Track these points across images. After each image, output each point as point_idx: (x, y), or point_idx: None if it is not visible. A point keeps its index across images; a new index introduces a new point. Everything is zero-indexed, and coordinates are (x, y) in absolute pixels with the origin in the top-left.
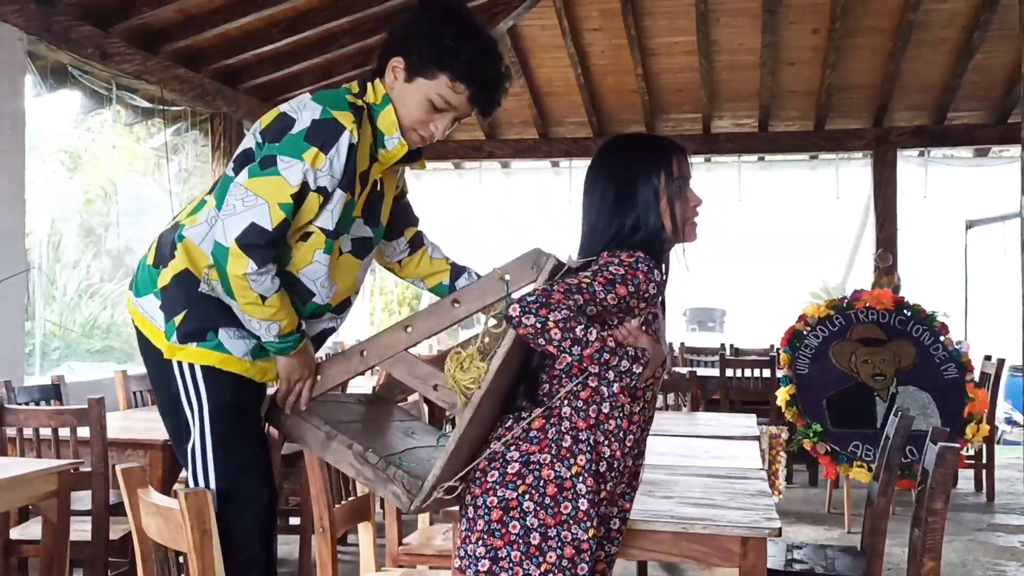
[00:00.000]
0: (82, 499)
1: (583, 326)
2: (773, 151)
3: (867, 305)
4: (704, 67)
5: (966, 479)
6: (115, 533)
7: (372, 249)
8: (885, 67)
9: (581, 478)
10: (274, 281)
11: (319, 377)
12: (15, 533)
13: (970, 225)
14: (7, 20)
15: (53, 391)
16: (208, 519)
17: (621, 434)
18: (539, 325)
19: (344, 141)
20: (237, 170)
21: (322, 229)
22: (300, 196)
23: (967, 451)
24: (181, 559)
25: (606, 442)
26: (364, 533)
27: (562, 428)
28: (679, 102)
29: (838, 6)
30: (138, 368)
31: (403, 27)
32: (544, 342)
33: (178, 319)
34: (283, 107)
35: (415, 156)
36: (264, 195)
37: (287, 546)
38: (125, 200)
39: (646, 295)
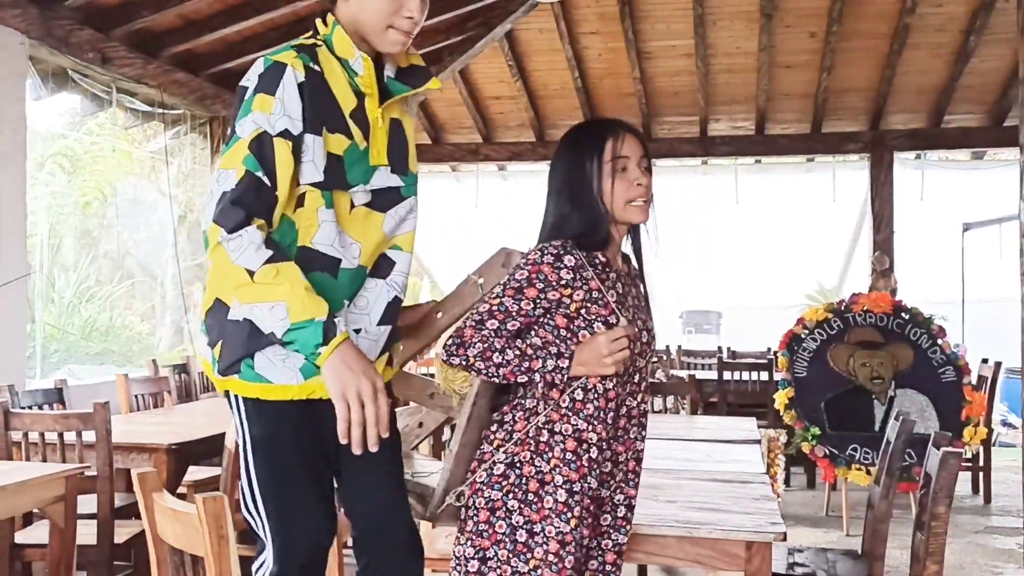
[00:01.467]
0: (85, 502)
1: (499, 351)
2: (770, 154)
3: (865, 308)
4: (701, 70)
5: (963, 482)
6: (119, 536)
7: (403, 200)
8: (881, 70)
9: (557, 469)
10: (259, 251)
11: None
12: (20, 537)
13: (967, 228)
14: (8, 24)
15: (56, 395)
16: (225, 524)
17: (602, 415)
18: (463, 364)
19: (288, 76)
20: None
21: (312, 184)
22: (260, 146)
23: (965, 453)
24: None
25: (589, 427)
26: None
27: (539, 423)
28: (676, 105)
29: (835, 10)
30: (139, 371)
31: None
32: (476, 373)
33: (216, 351)
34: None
35: (421, 78)
36: (230, 164)
37: None
38: (123, 203)
39: (562, 282)
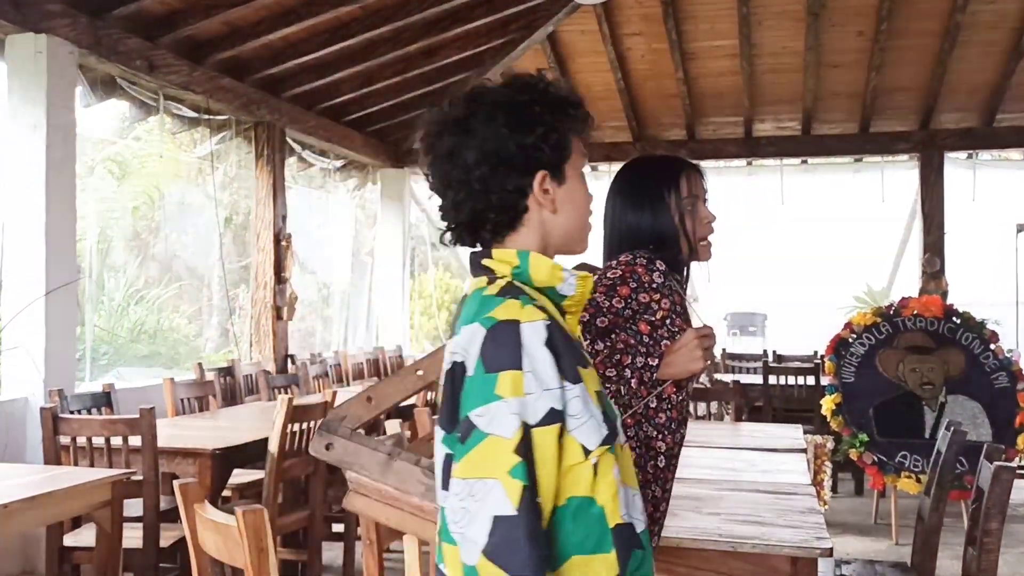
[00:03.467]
0: (131, 506)
1: (590, 341)
2: (817, 154)
3: (915, 312)
4: (746, 71)
5: (1018, 489)
6: (165, 540)
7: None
8: (932, 69)
9: None
10: None
11: (370, 400)
12: (68, 540)
13: (1021, 228)
14: (59, 34)
15: (104, 399)
16: (265, 537)
17: (672, 426)
18: None
19: (530, 334)
20: (445, 481)
21: (602, 443)
22: (527, 446)
23: (1019, 461)
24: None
25: (659, 436)
26: (409, 544)
27: None
28: (720, 106)
29: (883, 8)
30: (186, 374)
31: (516, 150)
32: None
33: None
34: (455, 355)
35: None
36: (488, 473)
37: (330, 552)
38: (170, 207)
39: (654, 285)
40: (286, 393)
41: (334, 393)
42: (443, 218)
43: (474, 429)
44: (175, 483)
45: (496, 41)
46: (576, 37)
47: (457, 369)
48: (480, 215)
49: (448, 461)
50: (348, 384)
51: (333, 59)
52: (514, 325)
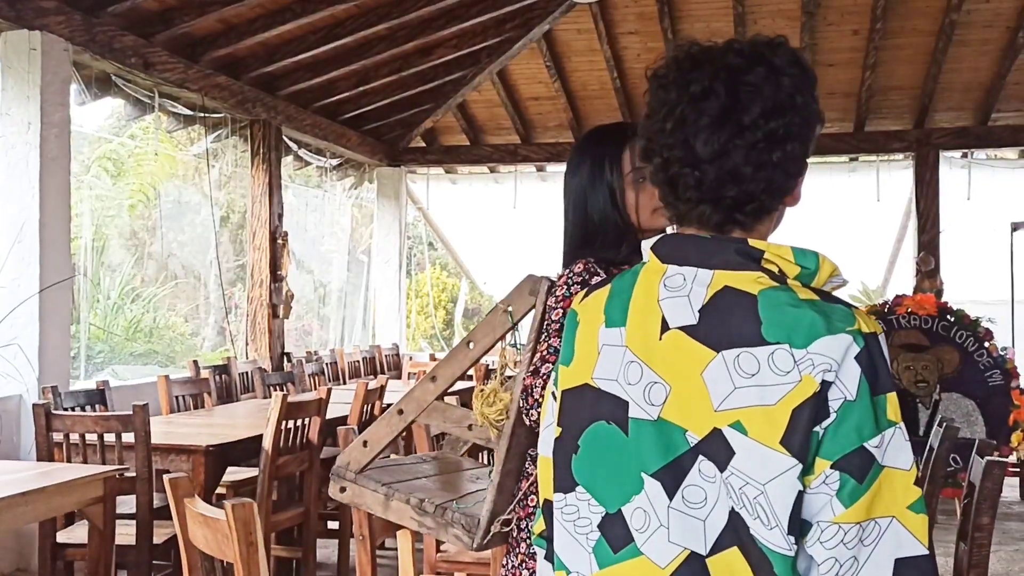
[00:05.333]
0: (125, 503)
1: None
2: (811, 153)
3: (909, 310)
4: None
5: (1011, 487)
6: (158, 537)
7: None
8: (927, 68)
9: None
10: None
11: (366, 444)
12: (61, 536)
13: (1016, 227)
14: (53, 30)
15: (98, 396)
16: (255, 530)
17: None
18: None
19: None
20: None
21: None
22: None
23: (1012, 459)
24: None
25: None
26: (403, 540)
27: None
28: None
29: (878, 7)
30: (182, 372)
31: (813, 132)
32: None
33: None
34: (816, 374)
35: None
36: (879, 510)
37: (325, 550)
38: (166, 205)
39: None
40: (282, 391)
41: (328, 390)
42: (698, 185)
43: (873, 462)
44: (165, 477)
45: (492, 40)
46: (572, 36)
47: (824, 391)
48: (755, 194)
49: (799, 499)
50: (344, 382)
51: (329, 57)
52: (878, 338)
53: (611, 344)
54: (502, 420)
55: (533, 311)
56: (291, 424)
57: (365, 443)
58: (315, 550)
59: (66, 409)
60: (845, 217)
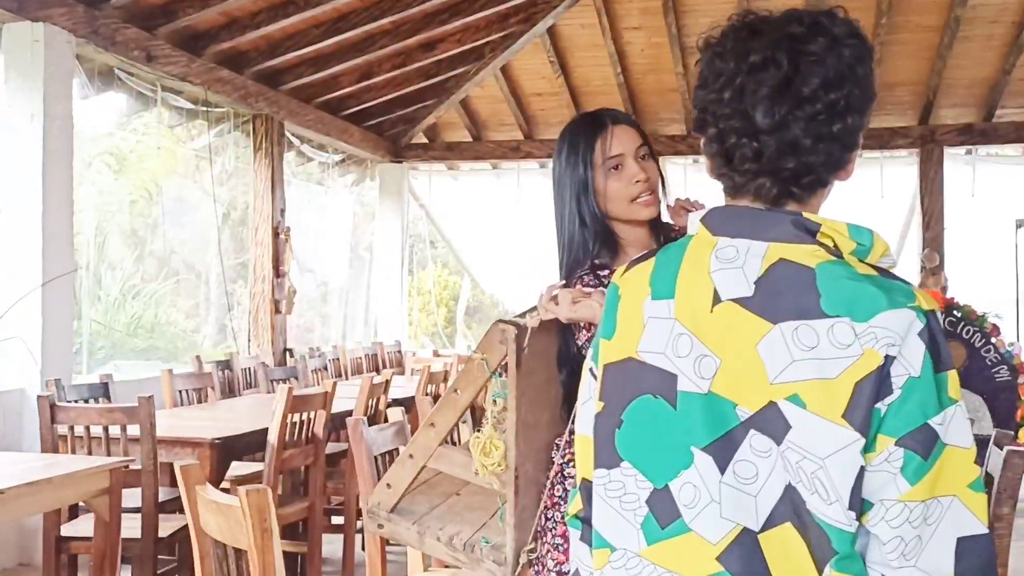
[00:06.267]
0: (129, 496)
1: None
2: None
3: None
4: None
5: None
6: (163, 530)
7: None
8: (931, 63)
9: None
10: None
11: (389, 486)
12: (66, 529)
13: (1020, 224)
14: (56, 22)
15: (102, 389)
16: (269, 517)
17: None
18: None
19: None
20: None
21: None
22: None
23: None
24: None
25: None
26: None
27: None
28: None
29: (883, 2)
30: (184, 367)
31: (870, 104)
32: None
33: None
34: (880, 348)
35: None
36: (942, 489)
37: (330, 545)
38: (168, 201)
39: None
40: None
41: (334, 384)
42: (756, 156)
43: (937, 440)
44: (176, 465)
45: (495, 35)
46: (576, 31)
47: (887, 366)
48: (813, 166)
49: (860, 475)
50: (347, 379)
51: (331, 51)
52: (937, 316)
53: (658, 316)
54: (502, 469)
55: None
56: (297, 417)
57: (388, 485)
58: (321, 545)
59: (70, 402)
60: (848, 213)
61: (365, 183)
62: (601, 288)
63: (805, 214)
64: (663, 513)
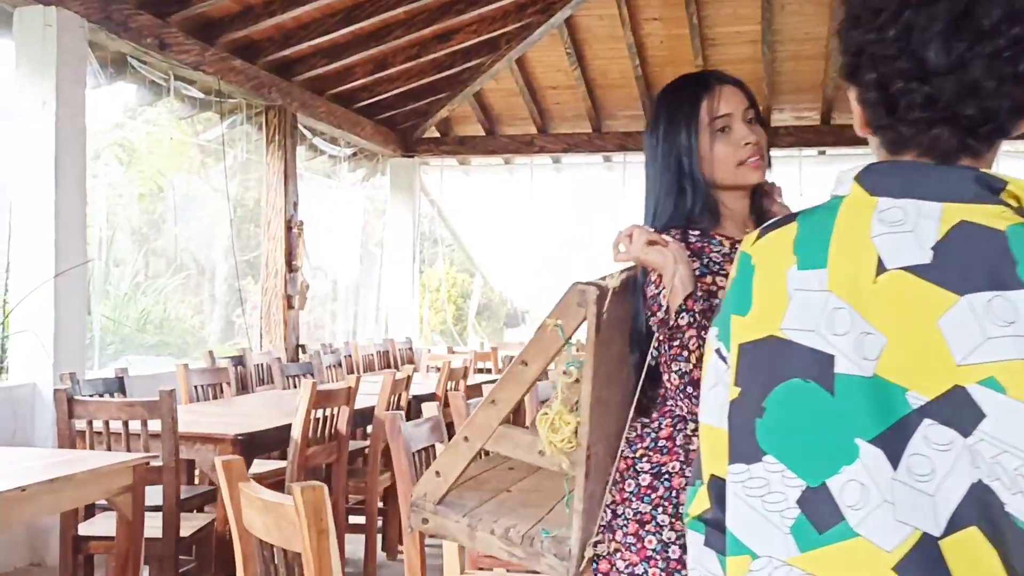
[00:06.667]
0: (147, 494)
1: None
2: (837, 144)
3: None
4: (767, 57)
5: None
6: (185, 530)
7: None
8: None
9: None
10: None
11: (438, 474)
12: (83, 529)
13: None
14: (68, 7)
15: (117, 384)
16: (325, 516)
17: None
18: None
19: None
20: None
21: None
22: None
23: None
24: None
25: None
26: None
27: (687, 431)
28: None
29: None
30: (195, 363)
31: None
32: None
33: None
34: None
35: None
36: None
37: (350, 545)
38: (178, 194)
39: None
40: (300, 382)
41: (357, 378)
42: (929, 102)
43: None
44: (216, 459)
45: (512, 26)
46: (594, 22)
47: None
48: (996, 112)
49: None
50: (359, 375)
51: (345, 41)
52: None
53: (807, 288)
54: (572, 447)
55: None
56: (320, 413)
57: (437, 473)
58: (343, 544)
59: (86, 396)
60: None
61: (375, 178)
62: (682, 243)
63: (984, 170)
64: (820, 515)
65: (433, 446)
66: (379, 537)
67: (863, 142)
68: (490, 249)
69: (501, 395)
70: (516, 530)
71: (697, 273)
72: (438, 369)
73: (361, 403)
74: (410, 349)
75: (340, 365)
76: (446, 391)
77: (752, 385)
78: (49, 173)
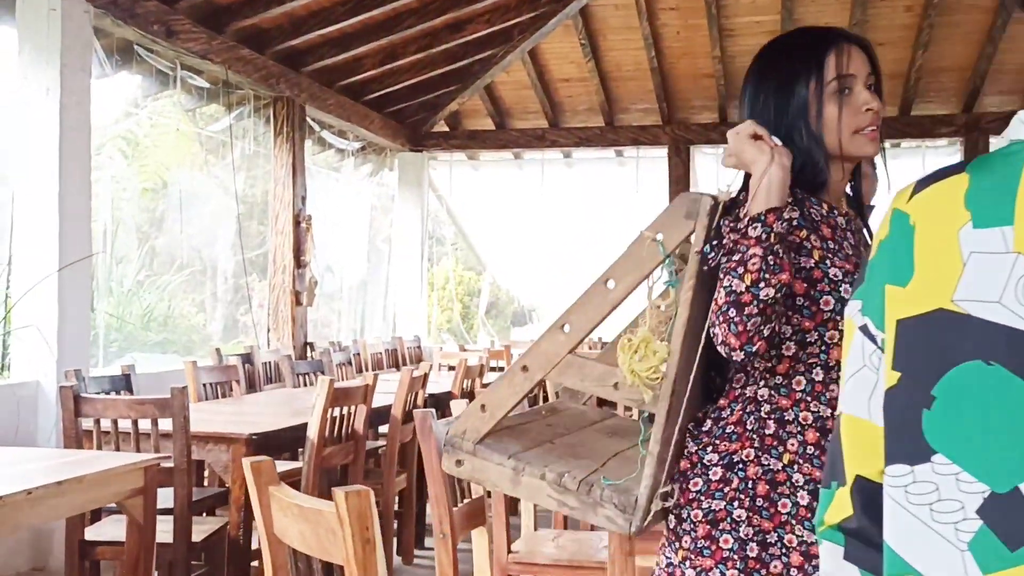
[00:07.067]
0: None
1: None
2: None
3: None
4: None
5: None
6: (196, 534)
7: None
8: (981, 47)
9: (796, 467)
10: None
11: (484, 408)
12: (89, 533)
13: None
14: None
15: (123, 382)
16: (372, 525)
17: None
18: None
19: None
20: None
21: None
22: None
23: None
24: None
25: (833, 413)
26: (479, 539)
27: (761, 414)
28: None
29: None
30: (202, 361)
31: None
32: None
33: None
34: None
35: None
36: None
37: None
38: (181, 190)
39: (795, 223)
40: (310, 380)
41: (375, 376)
42: None
43: None
44: (245, 461)
45: (526, 15)
46: (609, 12)
47: None
48: None
49: None
50: (367, 373)
51: (355, 31)
52: None
53: (986, 250)
54: (658, 379)
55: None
56: (337, 412)
57: (483, 407)
58: None
59: (94, 394)
60: (887, 203)
61: (383, 173)
62: (788, 150)
63: None
64: (1011, 528)
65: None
66: (395, 541)
67: (882, 136)
68: (498, 246)
69: (574, 319)
70: (572, 476)
71: (794, 224)
72: (450, 368)
73: (375, 402)
74: (418, 347)
75: (350, 363)
76: (462, 389)
77: (916, 369)
78: (53, 163)
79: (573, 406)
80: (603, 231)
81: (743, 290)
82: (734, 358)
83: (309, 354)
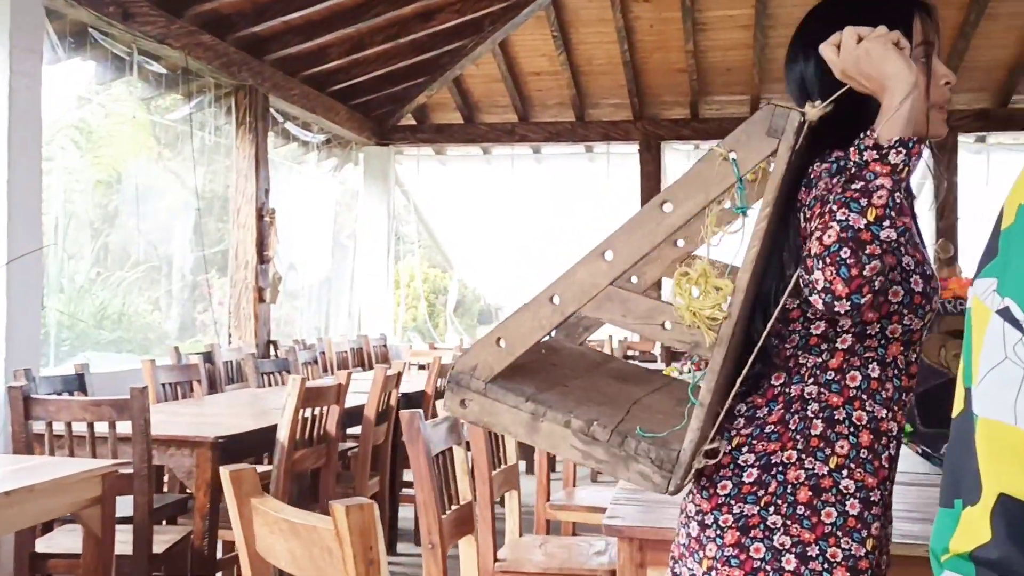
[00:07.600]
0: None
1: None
2: None
3: (955, 295)
4: (759, 42)
5: None
6: (158, 545)
7: None
8: (952, 43)
9: (845, 472)
10: None
11: (500, 341)
12: (40, 545)
13: None
14: None
15: (76, 382)
16: (375, 543)
17: (904, 398)
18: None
19: None
20: None
21: None
22: None
23: None
24: None
25: (889, 414)
26: (466, 547)
27: (807, 413)
28: (728, 82)
29: None
30: (161, 359)
31: None
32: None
33: None
34: None
35: None
36: None
37: None
38: (136, 183)
39: None
40: (275, 380)
41: (348, 374)
42: None
43: None
44: (224, 470)
45: (497, 5)
46: (581, 3)
47: None
48: None
49: None
50: (333, 373)
51: (321, 18)
52: None
53: None
54: (718, 320)
55: (773, 159)
56: (309, 413)
57: (499, 340)
58: None
59: (44, 395)
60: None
61: (347, 167)
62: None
63: None
64: None
65: (451, 449)
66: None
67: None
68: (464, 243)
69: (619, 245)
70: (602, 425)
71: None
72: (421, 367)
73: (349, 401)
74: (384, 346)
75: (316, 362)
76: (436, 388)
77: None
78: (1, 149)
79: (570, 345)
80: (573, 228)
81: (862, 227)
82: (836, 309)
83: (273, 353)
